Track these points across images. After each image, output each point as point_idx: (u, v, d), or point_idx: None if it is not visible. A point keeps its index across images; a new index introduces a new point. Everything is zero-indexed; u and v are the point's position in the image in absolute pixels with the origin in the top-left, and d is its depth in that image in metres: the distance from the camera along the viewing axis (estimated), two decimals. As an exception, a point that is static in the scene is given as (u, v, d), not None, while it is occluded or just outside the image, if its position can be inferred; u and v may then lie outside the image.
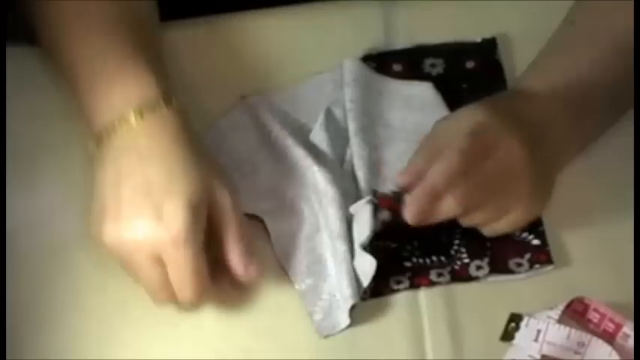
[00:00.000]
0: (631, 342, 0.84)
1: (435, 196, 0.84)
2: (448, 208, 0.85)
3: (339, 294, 0.86)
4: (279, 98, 0.96)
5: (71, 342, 0.86)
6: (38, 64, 0.97)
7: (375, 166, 0.92)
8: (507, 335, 0.85)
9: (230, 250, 0.85)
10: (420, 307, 0.87)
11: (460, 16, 1.01)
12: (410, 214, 0.85)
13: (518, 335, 0.85)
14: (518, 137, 0.86)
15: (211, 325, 0.87)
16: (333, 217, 0.89)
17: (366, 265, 0.86)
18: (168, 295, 0.84)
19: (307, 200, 0.91)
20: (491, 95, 0.91)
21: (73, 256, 0.89)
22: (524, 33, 0.96)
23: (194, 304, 0.85)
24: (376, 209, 0.87)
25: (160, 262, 0.82)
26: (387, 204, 0.87)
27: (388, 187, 0.90)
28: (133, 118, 0.85)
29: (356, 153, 0.92)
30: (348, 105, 0.94)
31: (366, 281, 0.86)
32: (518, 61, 0.98)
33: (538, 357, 0.84)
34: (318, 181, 0.90)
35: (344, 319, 0.86)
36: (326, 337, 0.86)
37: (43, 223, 0.91)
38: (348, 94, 0.95)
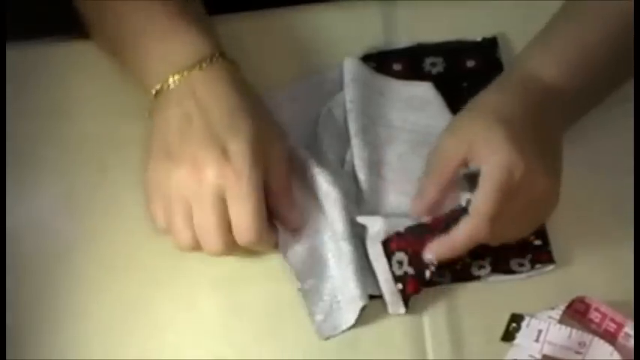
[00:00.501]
0: (632, 341, 0.84)
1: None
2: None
3: (342, 295, 0.86)
4: (280, 96, 0.96)
5: (72, 342, 0.86)
6: (38, 64, 0.97)
7: (375, 167, 0.92)
8: (508, 335, 0.85)
9: (279, 198, 0.87)
10: (420, 307, 0.87)
11: (460, 16, 1.01)
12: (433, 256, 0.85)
13: (519, 335, 0.85)
14: (540, 164, 0.84)
15: (211, 325, 0.87)
16: (336, 219, 0.88)
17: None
18: (212, 242, 0.85)
19: (310, 200, 0.90)
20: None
21: (74, 256, 0.89)
22: (524, 32, 0.95)
23: (255, 246, 0.85)
24: (389, 254, 0.87)
25: (221, 201, 0.84)
26: (400, 245, 0.87)
27: (389, 189, 0.91)
28: (191, 70, 0.87)
29: (356, 154, 0.92)
30: (349, 105, 0.94)
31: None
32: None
33: (539, 357, 0.84)
34: (320, 182, 0.89)
35: (347, 320, 0.85)
36: (327, 338, 0.86)
37: (43, 223, 0.91)
38: (349, 94, 0.95)
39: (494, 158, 0.83)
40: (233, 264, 0.88)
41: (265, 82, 0.96)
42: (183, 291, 0.88)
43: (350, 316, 0.85)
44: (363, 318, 0.86)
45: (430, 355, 0.86)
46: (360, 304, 0.85)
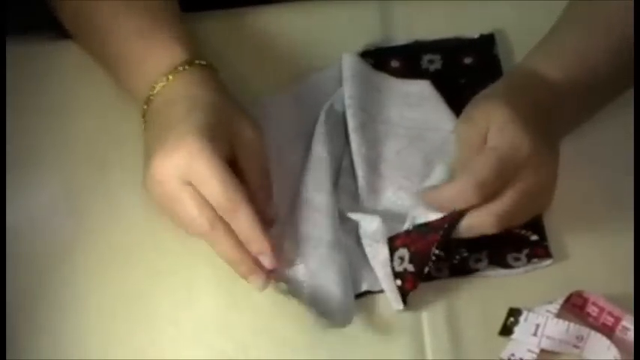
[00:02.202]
0: (630, 335, 0.84)
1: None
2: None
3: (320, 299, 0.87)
4: (282, 99, 0.96)
5: (71, 342, 0.86)
6: (39, 63, 0.98)
7: (373, 163, 0.92)
8: (506, 330, 0.85)
9: (255, 192, 0.86)
10: (419, 301, 0.87)
11: (457, 14, 1.01)
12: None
13: (517, 330, 0.85)
14: (546, 151, 0.86)
15: (210, 323, 0.87)
16: (324, 226, 0.88)
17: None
18: (204, 224, 0.84)
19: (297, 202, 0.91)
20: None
21: (74, 254, 0.89)
22: (521, 30, 0.96)
23: (235, 217, 0.84)
24: (392, 250, 0.87)
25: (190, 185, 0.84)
26: (404, 242, 0.87)
27: (387, 185, 0.91)
28: (164, 81, 0.88)
29: (355, 150, 0.92)
30: (347, 101, 0.94)
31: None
32: (516, 58, 0.98)
33: (537, 351, 0.84)
34: (309, 187, 0.90)
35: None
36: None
37: (43, 221, 0.91)
38: (347, 89, 0.95)
39: (504, 133, 0.85)
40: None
41: (263, 81, 0.97)
42: (182, 287, 0.88)
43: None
44: (362, 313, 0.86)
45: (428, 349, 0.86)
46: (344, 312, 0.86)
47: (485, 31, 1.00)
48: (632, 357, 0.83)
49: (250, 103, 0.92)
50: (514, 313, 0.85)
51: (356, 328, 0.86)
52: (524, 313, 0.85)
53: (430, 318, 0.87)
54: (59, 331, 0.86)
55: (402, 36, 1.00)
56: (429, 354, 0.85)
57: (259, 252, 0.84)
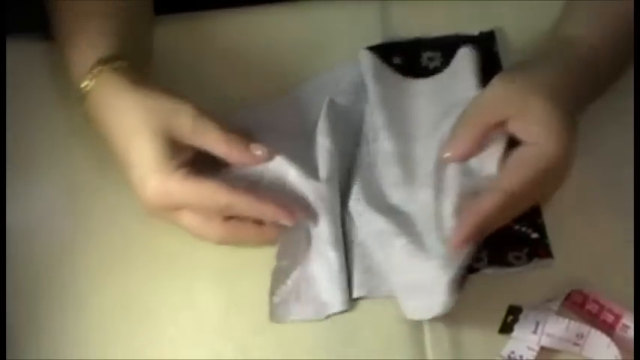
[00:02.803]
0: (630, 333, 0.84)
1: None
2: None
3: (304, 288, 0.87)
4: (279, 106, 0.96)
5: (71, 342, 0.86)
6: (39, 63, 0.98)
7: (404, 160, 0.91)
8: (506, 327, 0.85)
9: (219, 150, 0.86)
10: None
11: (457, 13, 1.01)
12: (459, 242, 0.84)
13: (517, 327, 0.85)
14: (574, 149, 0.86)
15: (211, 321, 0.87)
16: (323, 222, 0.88)
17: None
18: (215, 235, 0.87)
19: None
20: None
21: (73, 255, 0.90)
22: (521, 29, 0.95)
23: (237, 208, 0.85)
24: None
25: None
26: None
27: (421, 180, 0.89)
28: (91, 78, 0.88)
29: (383, 147, 0.91)
30: (373, 97, 0.94)
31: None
32: (515, 56, 0.97)
33: (537, 349, 0.84)
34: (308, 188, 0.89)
35: (301, 314, 0.86)
36: (277, 322, 0.86)
37: (43, 222, 0.91)
38: (372, 87, 0.94)
39: (541, 144, 0.84)
40: (233, 259, 0.89)
41: (261, 81, 0.97)
42: (182, 287, 0.88)
43: (306, 313, 0.86)
44: (362, 313, 0.86)
45: (428, 347, 0.86)
46: (329, 311, 0.86)
47: (485, 30, 0.99)
48: (632, 355, 0.83)
49: (244, 107, 0.93)
50: (514, 310, 0.85)
51: (356, 328, 0.86)
52: (524, 311, 0.85)
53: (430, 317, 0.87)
54: (59, 332, 0.87)
55: (401, 36, 0.99)
56: (429, 354, 0.85)
57: (275, 219, 0.86)
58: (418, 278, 0.84)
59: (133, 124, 0.85)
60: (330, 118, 0.93)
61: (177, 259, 0.89)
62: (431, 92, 0.96)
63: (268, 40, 0.99)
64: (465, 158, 0.87)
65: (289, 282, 0.87)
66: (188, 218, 0.86)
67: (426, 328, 0.86)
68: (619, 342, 0.83)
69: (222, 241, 0.87)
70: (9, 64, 0.95)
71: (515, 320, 0.85)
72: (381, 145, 0.92)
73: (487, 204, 0.83)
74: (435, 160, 0.89)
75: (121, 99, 0.87)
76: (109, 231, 0.91)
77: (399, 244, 0.86)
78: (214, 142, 0.86)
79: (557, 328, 0.84)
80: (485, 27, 1.00)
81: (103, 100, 0.88)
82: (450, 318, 0.86)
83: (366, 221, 0.89)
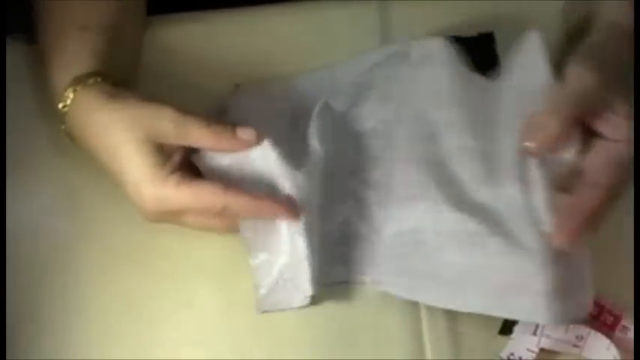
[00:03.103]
0: (630, 334, 0.84)
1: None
2: None
3: (290, 275, 0.86)
4: (272, 88, 0.96)
5: (71, 342, 0.86)
6: (39, 63, 0.97)
7: (485, 156, 0.88)
8: (506, 329, 0.85)
9: (205, 139, 0.86)
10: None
11: (456, 14, 1.00)
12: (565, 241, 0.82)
13: (516, 329, 0.85)
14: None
15: (209, 321, 0.87)
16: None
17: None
18: (221, 227, 0.87)
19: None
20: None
21: (73, 255, 0.90)
22: (521, 29, 0.95)
23: (235, 209, 0.85)
24: None
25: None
26: None
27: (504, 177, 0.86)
28: (63, 103, 0.88)
29: (460, 144, 0.88)
30: (449, 90, 0.91)
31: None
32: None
33: (536, 350, 0.84)
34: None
35: (289, 302, 0.86)
36: (263, 312, 0.86)
37: (43, 223, 0.91)
38: (447, 78, 0.92)
39: (628, 142, 0.83)
40: (232, 259, 0.89)
41: (260, 81, 0.97)
42: (183, 287, 0.88)
43: (295, 300, 0.86)
44: (361, 313, 0.86)
45: (428, 347, 0.86)
46: (308, 293, 0.86)
47: (484, 30, 0.99)
48: (632, 356, 0.83)
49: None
50: (514, 312, 0.85)
51: (356, 328, 0.86)
52: (524, 313, 0.85)
53: (429, 316, 0.87)
54: (59, 333, 0.87)
55: (401, 36, 0.99)
56: (429, 354, 0.86)
57: (272, 216, 0.86)
58: (517, 278, 0.82)
59: (117, 137, 0.85)
60: (321, 120, 0.92)
61: (177, 259, 0.89)
62: (500, 83, 0.93)
63: (267, 40, 0.99)
64: (552, 151, 0.84)
65: (274, 272, 0.87)
66: (191, 218, 0.86)
67: (426, 328, 0.87)
68: (619, 343, 0.83)
69: (231, 230, 0.87)
70: (9, 63, 0.95)
71: (514, 321, 0.85)
72: (453, 143, 0.89)
73: (590, 202, 0.82)
74: (514, 152, 0.86)
75: (99, 115, 0.86)
76: (109, 231, 0.91)
77: (494, 242, 0.83)
78: (200, 138, 0.86)
79: (556, 330, 0.84)
80: (485, 27, 1.00)
81: (81, 120, 0.87)
82: (449, 318, 0.86)
83: (443, 221, 0.85)
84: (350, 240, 0.90)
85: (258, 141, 0.86)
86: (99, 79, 0.88)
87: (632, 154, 0.83)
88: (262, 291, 0.87)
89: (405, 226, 0.86)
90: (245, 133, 0.86)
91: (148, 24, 0.99)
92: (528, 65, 0.91)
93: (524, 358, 0.84)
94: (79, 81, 0.88)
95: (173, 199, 0.84)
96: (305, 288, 0.86)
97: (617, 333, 0.85)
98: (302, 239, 0.86)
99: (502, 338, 0.85)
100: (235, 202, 0.84)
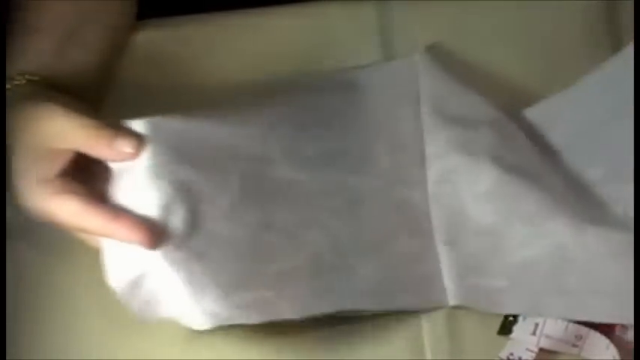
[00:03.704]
0: (629, 334, 0.84)
1: None
2: None
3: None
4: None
5: (71, 342, 0.87)
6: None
7: (584, 188, 0.87)
8: (505, 329, 0.85)
9: (87, 143, 0.80)
10: (418, 301, 0.88)
11: (456, 15, 1.01)
12: None
13: (515, 329, 0.85)
14: None
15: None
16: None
17: None
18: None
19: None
20: None
21: (73, 255, 0.89)
22: (521, 30, 0.96)
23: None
24: None
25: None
26: None
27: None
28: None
29: (560, 171, 0.88)
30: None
31: None
32: (516, 58, 0.97)
33: (536, 350, 0.84)
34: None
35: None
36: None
37: (43, 222, 0.91)
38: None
39: None
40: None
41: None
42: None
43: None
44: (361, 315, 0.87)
45: (427, 347, 0.86)
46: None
47: (485, 33, 0.99)
48: (632, 356, 0.83)
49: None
50: (513, 312, 0.86)
51: (356, 328, 0.86)
52: (523, 312, 0.85)
53: (430, 318, 0.87)
54: (59, 333, 0.87)
55: (400, 39, 0.99)
56: (429, 354, 0.86)
57: (127, 241, 0.80)
58: None
59: (12, 141, 0.83)
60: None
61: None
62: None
63: (266, 42, 0.99)
64: None
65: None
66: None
67: (425, 328, 0.87)
68: (618, 343, 0.84)
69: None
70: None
71: (514, 321, 0.85)
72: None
73: None
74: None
75: (10, 115, 0.84)
76: (109, 231, 0.91)
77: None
78: (82, 141, 0.80)
79: (556, 330, 0.84)
80: (484, 30, 1.00)
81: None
82: (449, 319, 0.87)
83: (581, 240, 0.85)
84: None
85: (136, 154, 0.80)
86: (35, 78, 0.87)
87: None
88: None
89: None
90: (123, 144, 0.80)
91: (134, 26, 0.97)
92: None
93: (523, 358, 0.84)
94: (11, 79, 0.87)
95: (41, 212, 0.81)
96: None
97: (617, 333, 0.85)
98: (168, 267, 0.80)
99: (501, 338, 0.85)
100: (91, 222, 0.80)
